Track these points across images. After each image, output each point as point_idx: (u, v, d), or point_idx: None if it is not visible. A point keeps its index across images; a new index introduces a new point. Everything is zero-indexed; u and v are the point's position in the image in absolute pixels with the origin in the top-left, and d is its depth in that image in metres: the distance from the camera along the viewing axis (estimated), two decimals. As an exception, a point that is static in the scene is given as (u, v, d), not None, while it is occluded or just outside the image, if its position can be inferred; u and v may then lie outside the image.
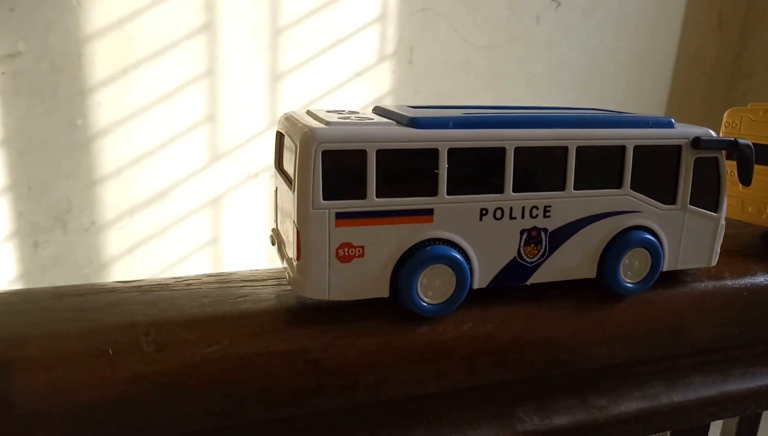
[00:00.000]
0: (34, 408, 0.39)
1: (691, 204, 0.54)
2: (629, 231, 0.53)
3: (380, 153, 0.44)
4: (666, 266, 0.55)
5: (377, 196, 0.45)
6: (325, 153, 0.43)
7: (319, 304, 0.48)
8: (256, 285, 0.50)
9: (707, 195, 0.55)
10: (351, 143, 0.44)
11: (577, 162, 0.50)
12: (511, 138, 0.48)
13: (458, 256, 0.48)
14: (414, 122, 0.46)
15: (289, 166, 0.49)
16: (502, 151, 0.48)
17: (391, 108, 0.51)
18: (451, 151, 0.46)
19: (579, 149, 0.50)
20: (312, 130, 0.43)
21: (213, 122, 1.80)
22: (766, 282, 0.60)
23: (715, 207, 0.55)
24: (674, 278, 0.57)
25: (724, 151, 0.55)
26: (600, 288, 0.54)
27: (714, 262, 0.57)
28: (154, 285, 0.50)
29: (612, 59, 2.18)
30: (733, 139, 0.54)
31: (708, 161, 0.54)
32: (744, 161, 0.56)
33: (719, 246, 0.57)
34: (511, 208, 0.49)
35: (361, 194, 0.45)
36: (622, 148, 0.51)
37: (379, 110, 0.52)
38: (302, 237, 0.44)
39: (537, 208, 0.50)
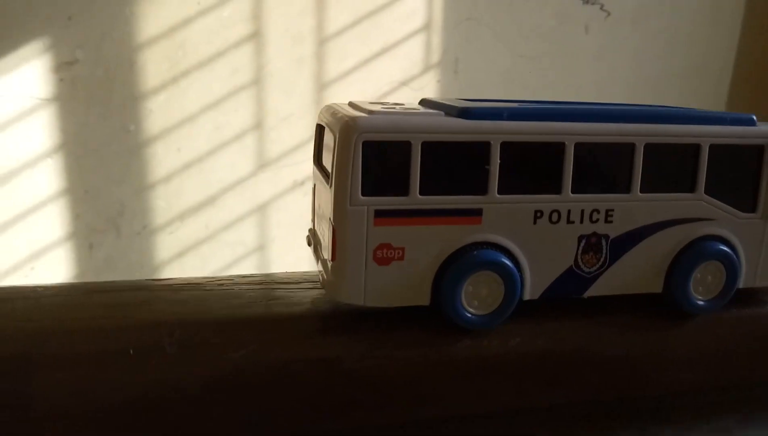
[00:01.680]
0: (51, 407, 0.36)
1: None
2: (702, 241, 0.47)
3: (426, 145, 0.40)
4: (743, 283, 0.49)
5: (421, 194, 0.41)
6: (366, 144, 0.39)
7: (354, 310, 0.44)
8: (291, 288, 0.47)
9: None
10: (395, 133, 0.40)
11: (645, 161, 0.45)
12: (571, 132, 0.43)
13: (508, 262, 0.43)
14: (465, 113, 0.42)
15: (327, 161, 0.45)
16: (561, 146, 0.43)
17: (441, 100, 0.47)
18: (505, 145, 0.42)
19: (647, 147, 0.45)
20: (353, 118, 0.40)
21: (259, 130, 1.80)
22: None
23: (801, 218, 0.49)
24: (752, 296, 0.51)
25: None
26: (667, 305, 0.48)
27: (798, 280, 0.51)
28: (185, 284, 0.47)
29: (664, 71, 2.10)
30: None
31: None
32: None
33: (804, 262, 0.51)
34: (569, 211, 0.44)
35: (404, 191, 0.41)
36: (697, 147, 0.46)
37: (426, 102, 0.48)
38: (338, 236, 0.40)
39: (598, 211, 0.45)
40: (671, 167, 0.47)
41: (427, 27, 1.93)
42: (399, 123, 0.40)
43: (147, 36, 1.60)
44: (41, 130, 1.52)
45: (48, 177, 1.50)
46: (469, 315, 0.43)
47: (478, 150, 0.42)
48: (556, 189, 0.44)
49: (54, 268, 1.53)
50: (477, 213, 0.42)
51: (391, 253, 0.41)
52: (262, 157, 1.80)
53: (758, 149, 0.47)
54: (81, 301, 0.43)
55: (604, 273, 0.46)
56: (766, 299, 0.52)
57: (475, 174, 0.42)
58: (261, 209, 1.83)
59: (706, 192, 0.47)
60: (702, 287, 0.48)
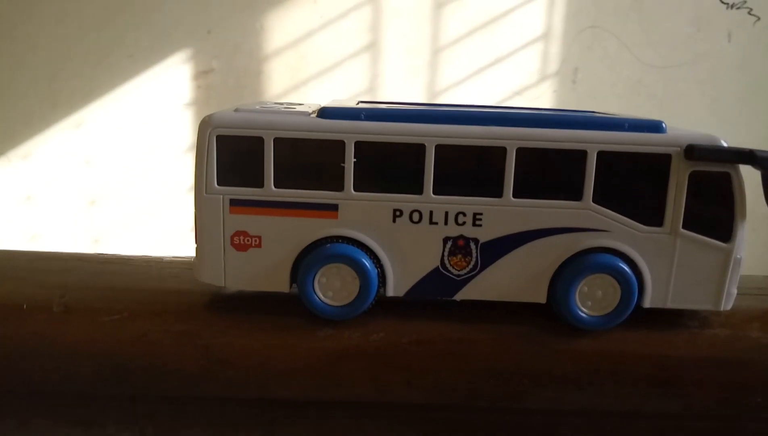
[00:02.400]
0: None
1: (686, 228, 0.44)
2: (590, 253, 0.44)
3: (279, 141, 0.43)
4: (649, 302, 0.45)
5: (276, 186, 0.44)
6: (219, 138, 0.43)
7: (221, 292, 0.48)
8: (182, 268, 0.51)
9: (713, 220, 0.44)
10: (248, 130, 0.43)
11: (520, 166, 0.43)
12: (431, 134, 0.43)
13: (362, 257, 0.44)
14: (323, 113, 0.44)
15: None
16: (422, 148, 0.43)
17: (337, 102, 0.49)
18: (360, 145, 0.43)
19: (521, 151, 0.43)
20: (210, 115, 0.44)
21: None
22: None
23: (726, 236, 0.44)
24: (669, 318, 0.47)
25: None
26: (554, 317, 0.46)
27: (725, 305, 0.45)
28: (115, 258, 0.55)
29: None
30: (748, 149, 0.43)
31: (714, 177, 0.43)
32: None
33: (735, 286, 0.45)
34: (431, 212, 0.44)
35: (258, 183, 0.44)
36: (583, 154, 0.43)
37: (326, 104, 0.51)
38: (197, 221, 0.45)
39: (464, 214, 0.44)
40: (553, 173, 0.44)
41: (545, 36, 1.89)
42: (252, 120, 0.43)
43: (274, 47, 1.75)
44: (181, 131, 1.72)
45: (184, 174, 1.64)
46: (324, 305, 0.45)
47: (334, 148, 0.43)
48: (417, 189, 0.44)
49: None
50: (333, 208, 0.44)
51: (248, 240, 0.45)
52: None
53: (664, 158, 0.43)
54: (17, 264, 0.51)
55: (477, 277, 0.45)
56: (691, 324, 0.47)
57: (331, 171, 0.44)
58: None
59: (595, 201, 0.44)
60: (591, 301, 0.45)
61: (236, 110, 0.45)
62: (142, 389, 0.45)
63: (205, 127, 0.43)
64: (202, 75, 1.73)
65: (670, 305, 0.45)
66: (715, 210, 0.44)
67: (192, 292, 0.48)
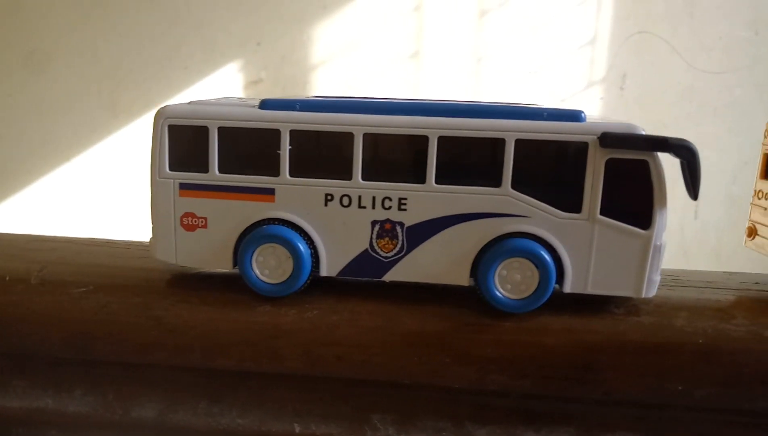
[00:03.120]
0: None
1: (604, 215, 0.45)
2: (509, 238, 0.46)
3: (222, 130, 0.48)
4: (569, 287, 0.46)
5: (219, 172, 0.48)
6: (171, 127, 0.48)
7: (175, 269, 0.52)
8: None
9: (632, 207, 0.45)
10: (194, 120, 0.48)
11: (442, 154, 0.46)
12: (359, 123, 0.46)
13: (295, 238, 0.48)
14: (263, 104, 0.48)
15: None
16: (350, 136, 0.47)
17: (287, 96, 0.53)
18: (294, 133, 0.47)
19: (442, 140, 0.46)
20: (164, 107, 0.48)
21: None
22: (737, 332, 0.46)
23: (645, 223, 0.45)
24: (595, 305, 0.48)
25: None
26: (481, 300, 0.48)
27: (646, 292, 0.46)
28: (104, 242, 0.60)
29: None
30: (662, 137, 0.44)
31: (632, 164, 0.44)
32: (685, 168, 0.44)
33: (657, 273, 0.46)
34: (359, 197, 0.47)
35: (204, 168, 0.48)
36: (501, 142, 0.45)
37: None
38: (152, 203, 0.49)
39: (390, 199, 0.47)
40: (474, 161, 0.47)
41: (591, 42, 1.87)
42: (199, 111, 0.48)
43: (320, 58, 1.81)
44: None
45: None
46: (261, 282, 0.49)
47: (271, 136, 0.47)
48: (347, 175, 0.47)
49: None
50: (270, 192, 0.48)
51: (195, 221, 0.49)
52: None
53: (581, 146, 0.45)
54: (18, 245, 0.58)
55: (403, 259, 0.48)
56: (616, 311, 0.48)
57: (269, 158, 0.48)
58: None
59: (515, 187, 0.46)
60: (510, 284, 0.47)
61: (190, 103, 0.49)
62: (103, 356, 0.50)
63: (158, 117, 0.48)
64: (251, 85, 1.81)
65: (590, 290, 0.46)
66: (633, 197, 0.45)
67: (153, 269, 0.53)
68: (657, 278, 0.46)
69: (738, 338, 0.46)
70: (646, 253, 0.45)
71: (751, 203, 0.55)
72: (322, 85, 1.81)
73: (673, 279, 0.52)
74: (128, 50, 1.75)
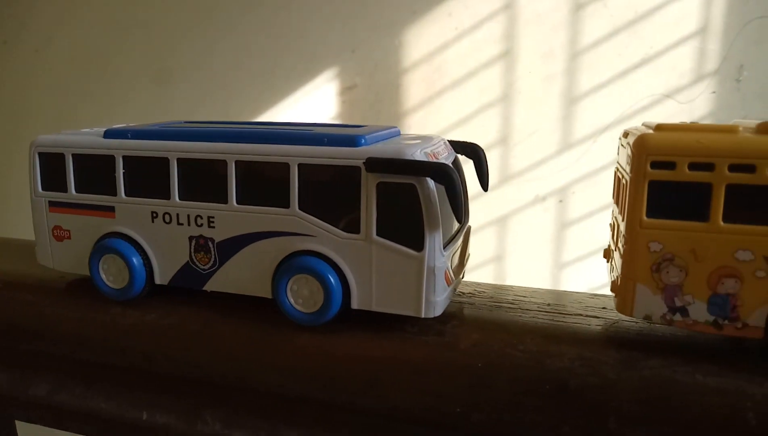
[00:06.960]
0: None
1: (380, 236, 0.46)
2: (299, 255, 0.49)
3: (75, 157, 0.55)
4: (356, 304, 0.48)
5: (76, 191, 0.56)
6: (40, 154, 0.57)
7: (60, 273, 0.61)
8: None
9: (404, 229, 0.46)
10: (55, 148, 0.56)
11: (240, 177, 0.50)
12: (172, 149, 0.52)
13: (128, 250, 0.54)
14: (105, 133, 0.55)
15: None
16: (166, 161, 0.52)
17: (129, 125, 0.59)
18: (126, 159, 0.53)
19: (239, 164, 0.50)
20: (37, 137, 0.57)
21: (504, 145, 1.88)
22: (522, 359, 0.45)
23: (418, 245, 0.46)
24: (390, 322, 0.49)
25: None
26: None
27: (426, 313, 0.46)
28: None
29: None
30: (421, 162, 0.44)
31: (400, 188, 0.45)
32: (446, 190, 0.44)
33: (437, 294, 0.46)
34: (177, 215, 0.52)
35: (65, 188, 0.56)
36: (286, 166, 0.48)
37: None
38: (32, 217, 0.58)
39: (201, 217, 0.52)
40: (267, 183, 0.50)
41: (702, 31, 1.71)
42: (59, 141, 0.56)
43: (410, 62, 1.86)
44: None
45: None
46: (107, 287, 0.56)
47: (110, 161, 0.54)
48: (167, 195, 0.53)
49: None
50: (112, 209, 0.55)
51: (62, 233, 0.57)
52: (505, 172, 1.88)
53: (355, 170, 0.46)
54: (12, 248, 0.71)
55: (217, 272, 0.52)
56: (408, 329, 0.48)
57: (111, 179, 0.55)
58: (500, 221, 1.91)
59: (301, 208, 0.48)
60: (302, 299, 0.49)
61: (60, 133, 0.58)
62: (11, 342, 0.60)
63: (31, 146, 0.57)
64: (346, 91, 1.89)
65: (375, 308, 0.48)
66: (405, 220, 0.46)
67: (47, 272, 0.62)
68: (439, 299, 0.46)
69: (520, 365, 0.45)
70: (421, 274, 0.46)
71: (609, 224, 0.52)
72: (414, 89, 1.83)
73: (489, 298, 0.51)
74: (237, 63, 1.90)
